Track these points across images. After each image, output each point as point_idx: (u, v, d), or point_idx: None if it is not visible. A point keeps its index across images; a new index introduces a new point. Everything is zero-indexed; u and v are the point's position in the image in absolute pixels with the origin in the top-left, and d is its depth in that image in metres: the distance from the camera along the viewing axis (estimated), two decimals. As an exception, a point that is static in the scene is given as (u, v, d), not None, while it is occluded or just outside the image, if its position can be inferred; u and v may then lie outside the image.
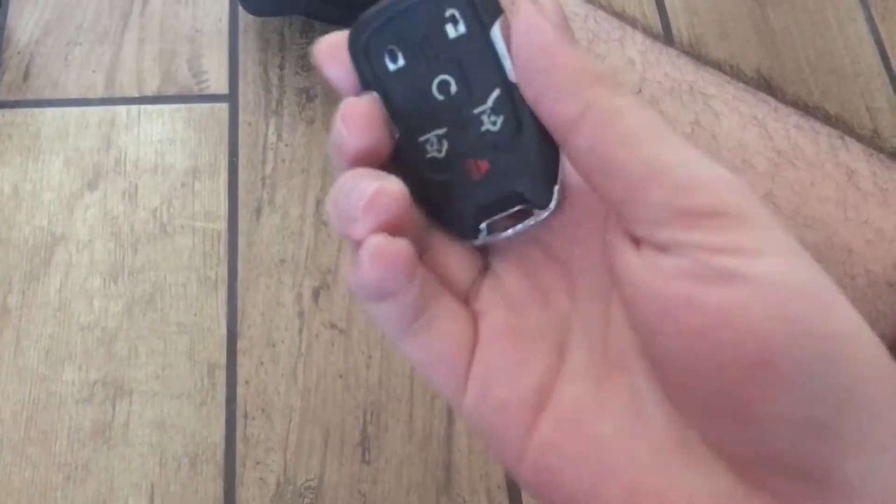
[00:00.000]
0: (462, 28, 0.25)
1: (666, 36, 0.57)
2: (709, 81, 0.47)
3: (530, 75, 0.24)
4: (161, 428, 0.44)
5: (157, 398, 0.45)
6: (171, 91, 0.53)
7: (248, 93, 0.53)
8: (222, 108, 0.53)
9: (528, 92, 0.24)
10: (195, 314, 0.47)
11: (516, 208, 0.25)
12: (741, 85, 0.48)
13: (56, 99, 0.53)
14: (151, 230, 0.49)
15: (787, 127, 0.45)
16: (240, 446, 0.44)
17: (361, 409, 0.45)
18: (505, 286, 0.26)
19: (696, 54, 0.50)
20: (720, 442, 0.23)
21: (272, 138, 0.52)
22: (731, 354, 0.21)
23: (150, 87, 0.53)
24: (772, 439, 0.22)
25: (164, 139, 0.52)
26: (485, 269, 0.27)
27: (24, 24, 0.55)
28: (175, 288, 0.48)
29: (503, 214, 0.25)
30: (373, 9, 0.25)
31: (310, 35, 0.55)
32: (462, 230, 0.25)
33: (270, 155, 0.52)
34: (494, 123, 0.25)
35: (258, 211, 0.50)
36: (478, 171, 0.25)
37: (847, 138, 0.46)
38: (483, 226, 0.25)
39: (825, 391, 0.21)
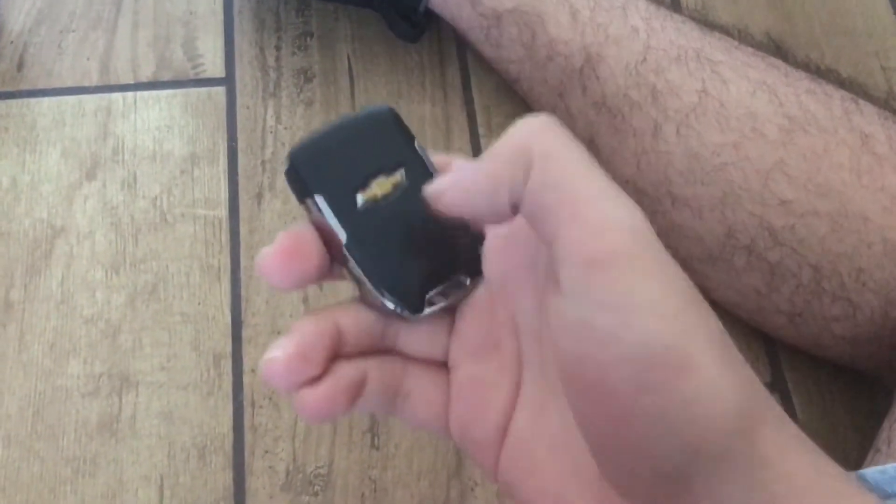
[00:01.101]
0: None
1: (672, 0, 0.56)
2: (716, 47, 0.45)
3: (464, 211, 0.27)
4: (168, 419, 0.44)
5: (163, 389, 0.45)
6: (167, 76, 0.52)
7: (245, 76, 0.52)
8: (219, 93, 0.52)
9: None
10: (199, 303, 0.47)
11: (455, 279, 0.29)
12: (750, 50, 0.46)
13: (51, 88, 0.52)
14: (152, 219, 0.48)
15: (799, 92, 0.44)
16: (248, 435, 0.44)
17: (369, 395, 0.45)
18: (466, 340, 0.30)
19: (702, 19, 0.48)
20: (611, 480, 0.26)
21: (271, 121, 0.51)
22: (600, 411, 0.25)
23: (146, 73, 0.52)
24: (634, 484, 0.25)
25: (161, 126, 0.51)
26: (451, 329, 0.30)
27: (17, 13, 0.54)
28: (178, 277, 0.47)
29: (442, 287, 0.28)
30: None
31: (306, 14, 0.54)
32: (410, 305, 0.28)
33: (270, 139, 0.51)
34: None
35: (259, 196, 0.49)
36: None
37: (861, 101, 0.45)
38: (427, 298, 0.28)
39: (672, 451, 0.24)
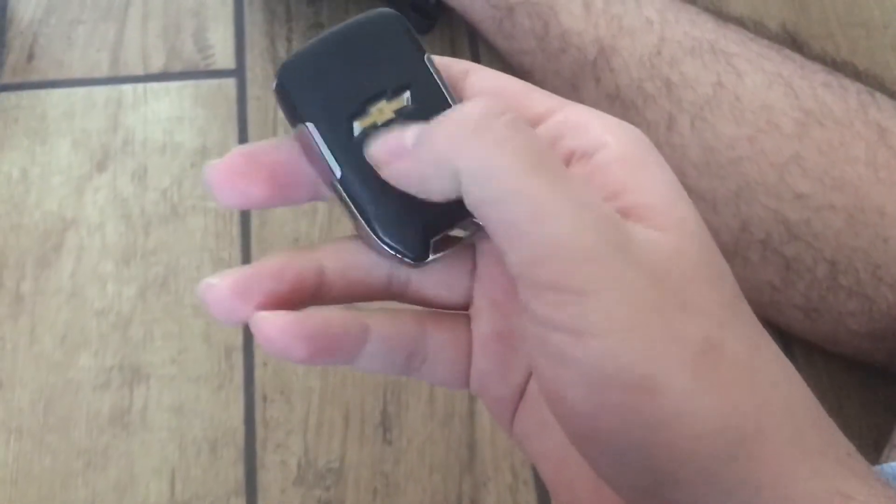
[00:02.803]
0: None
1: (685, -8, 0.55)
2: (731, 39, 0.45)
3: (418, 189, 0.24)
4: (180, 412, 0.44)
5: (174, 382, 0.45)
6: (177, 68, 0.52)
7: (256, 67, 0.52)
8: (229, 84, 0.52)
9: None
10: (210, 296, 0.46)
11: (463, 222, 0.25)
12: (765, 42, 0.46)
13: (61, 79, 0.52)
14: (162, 211, 0.48)
15: (814, 85, 0.43)
16: (260, 429, 0.44)
17: (381, 389, 0.45)
18: (489, 286, 0.27)
19: (717, 11, 0.48)
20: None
21: (281, 113, 0.51)
22: (566, 424, 0.23)
23: (156, 65, 0.52)
24: (618, 490, 0.24)
25: (171, 118, 0.51)
26: (474, 269, 0.27)
27: (27, 4, 0.53)
28: (188, 270, 0.47)
29: (450, 230, 0.25)
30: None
31: (317, 4, 0.54)
32: (412, 250, 0.25)
33: (280, 131, 0.50)
34: None
35: (270, 188, 0.49)
36: None
37: (877, 94, 0.44)
38: (431, 244, 0.25)
39: (644, 468, 0.22)
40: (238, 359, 0.45)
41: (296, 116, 0.25)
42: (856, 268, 0.41)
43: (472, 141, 0.22)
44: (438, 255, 0.25)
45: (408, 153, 0.23)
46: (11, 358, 0.45)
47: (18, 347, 0.45)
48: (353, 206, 0.25)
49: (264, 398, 0.44)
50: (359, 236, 0.26)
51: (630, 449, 0.22)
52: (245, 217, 0.48)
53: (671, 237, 0.23)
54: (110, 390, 0.44)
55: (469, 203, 0.23)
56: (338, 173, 0.24)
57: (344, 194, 0.25)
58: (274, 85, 0.25)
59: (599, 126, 0.24)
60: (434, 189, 0.23)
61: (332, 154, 0.24)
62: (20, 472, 0.42)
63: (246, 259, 0.47)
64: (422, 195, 0.24)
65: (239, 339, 0.45)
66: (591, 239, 0.21)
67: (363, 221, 0.25)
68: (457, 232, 0.25)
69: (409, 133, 0.24)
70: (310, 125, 0.24)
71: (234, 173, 0.25)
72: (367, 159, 0.24)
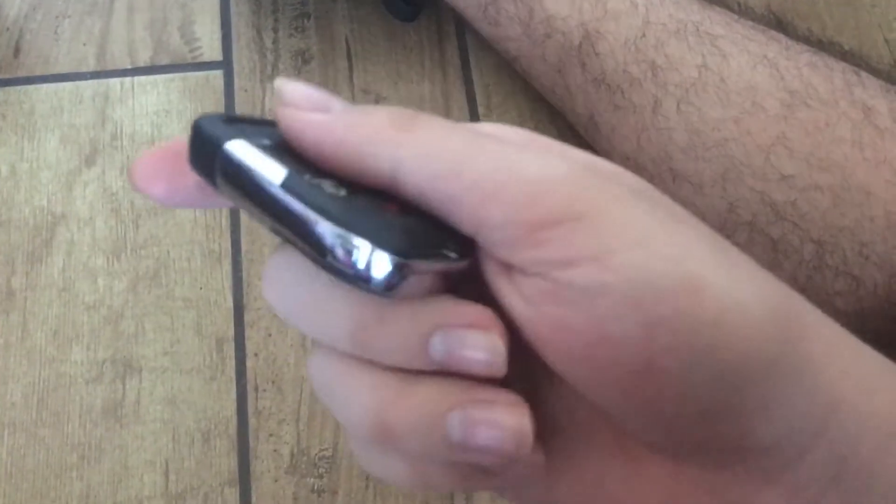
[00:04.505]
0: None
1: (671, -25, 0.55)
2: (716, 21, 0.45)
3: (333, 162, 0.22)
4: (172, 404, 0.44)
5: (166, 374, 0.45)
6: (164, 60, 0.52)
7: (243, 58, 0.52)
8: (217, 76, 0.52)
9: (343, 174, 0.22)
10: (201, 288, 0.47)
11: (441, 253, 0.22)
12: (750, 23, 0.46)
13: (48, 74, 0.52)
14: (152, 205, 0.48)
15: (800, 65, 0.43)
16: (252, 419, 0.44)
17: (372, 377, 0.45)
18: None
19: (702, -7, 0.48)
20: (642, 436, 0.24)
21: (269, 104, 0.51)
22: (614, 367, 0.21)
23: (143, 58, 0.52)
24: (677, 430, 0.23)
25: (159, 111, 0.51)
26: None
27: (12, 0, 0.53)
28: (179, 262, 0.47)
29: (427, 263, 0.22)
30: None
31: (302, -6, 0.54)
32: (396, 249, 0.20)
33: (268, 121, 0.50)
34: None
35: (258, 179, 0.49)
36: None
37: (863, 74, 0.44)
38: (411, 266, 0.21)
39: (712, 382, 0.21)
40: (230, 350, 0.45)
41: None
42: (842, 248, 0.41)
43: (407, 131, 0.22)
44: (409, 285, 0.21)
45: (336, 130, 0.22)
46: (3, 353, 0.45)
47: (10, 343, 0.45)
48: (301, 208, 0.20)
49: (256, 388, 0.44)
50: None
51: (694, 360, 0.21)
52: (234, 209, 0.48)
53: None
54: (103, 384, 0.44)
55: (418, 184, 0.22)
56: (282, 175, 0.21)
57: (288, 200, 0.20)
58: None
59: None
60: (369, 173, 0.22)
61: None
62: (14, 466, 0.43)
63: (236, 251, 0.47)
64: (350, 174, 0.23)
65: (230, 331, 0.46)
66: (564, 168, 0.21)
67: (317, 221, 0.20)
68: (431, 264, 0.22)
69: (337, 109, 0.23)
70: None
71: (164, 161, 0.23)
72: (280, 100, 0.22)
